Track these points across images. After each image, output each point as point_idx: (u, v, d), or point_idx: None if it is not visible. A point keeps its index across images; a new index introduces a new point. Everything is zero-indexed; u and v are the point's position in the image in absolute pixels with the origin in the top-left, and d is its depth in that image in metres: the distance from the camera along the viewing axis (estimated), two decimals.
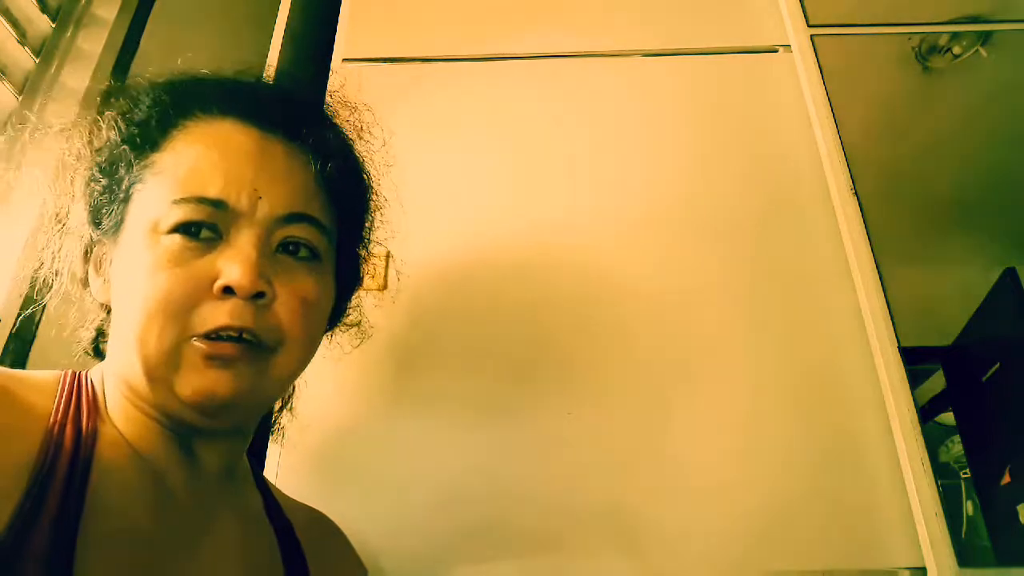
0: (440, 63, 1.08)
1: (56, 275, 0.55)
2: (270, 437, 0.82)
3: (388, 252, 0.92)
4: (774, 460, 0.80)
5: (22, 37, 0.99)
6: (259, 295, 0.48)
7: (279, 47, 1.08)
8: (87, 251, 0.54)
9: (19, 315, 0.79)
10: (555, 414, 0.83)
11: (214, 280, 0.48)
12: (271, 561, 0.55)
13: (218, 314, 0.47)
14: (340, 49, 1.09)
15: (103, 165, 0.53)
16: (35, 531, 0.38)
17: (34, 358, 0.83)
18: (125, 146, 0.52)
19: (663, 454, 0.81)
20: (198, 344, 0.47)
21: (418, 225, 0.94)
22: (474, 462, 0.81)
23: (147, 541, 0.44)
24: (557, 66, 1.08)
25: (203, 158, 0.50)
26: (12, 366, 0.65)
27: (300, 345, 0.52)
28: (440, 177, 0.99)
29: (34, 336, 0.84)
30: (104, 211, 0.52)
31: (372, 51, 1.09)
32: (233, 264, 0.48)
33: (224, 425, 0.51)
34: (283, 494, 0.65)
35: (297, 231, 0.52)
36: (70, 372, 0.50)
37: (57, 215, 0.55)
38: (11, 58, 0.97)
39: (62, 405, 0.46)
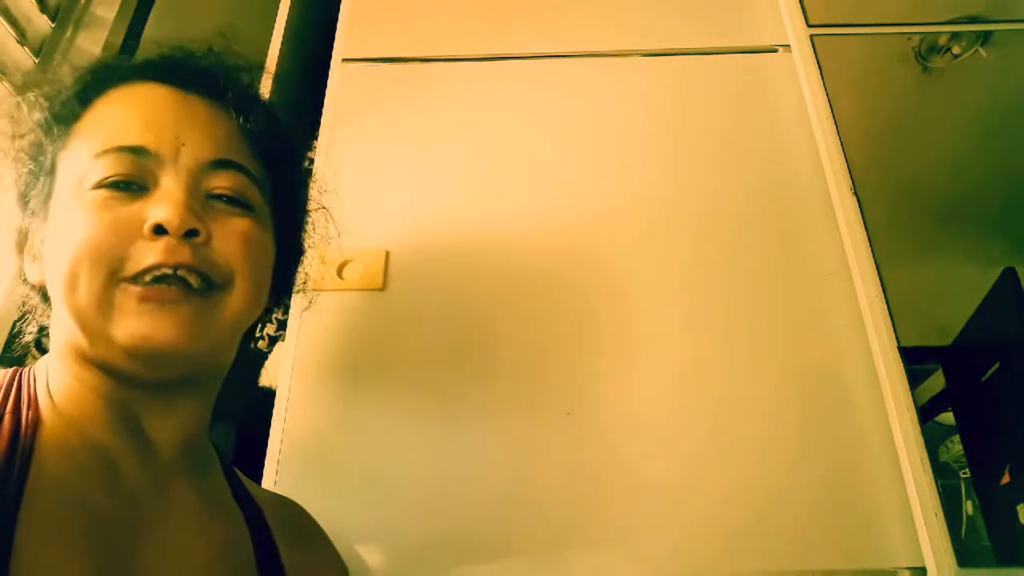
0: (440, 63, 1.08)
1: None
2: (268, 438, 0.82)
3: (387, 252, 0.92)
4: (773, 460, 0.80)
5: (21, 37, 0.99)
6: (192, 232, 0.47)
7: (279, 47, 1.09)
8: (19, 242, 0.53)
9: (18, 317, 0.79)
10: (554, 414, 0.83)
11: (143, 224, 0.46)
12: (240, 543, 0.53)
13: (149, 253, 0.45)
14: (340, 49, 1.09)
15: (28, 146, 0.52)
16: None
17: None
18: (47, 117, 0.51)
19: (663, 454, 0.81)
20: (130, 287, 0.45)
21: (415, 226, 0.95)
22: (472, 463, 0.81)
23: (99, 524, 0.43)
24: (557, 66, 1.08)
25: (123, 112, 0.51)
26: (12, 366, 0.65)
27: (250, 281, 0.50)
28: (440, 177, 0.99)
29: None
30: (32, 190, 0.51)
31: (372, 51, 1.09)
32: (160, 205, 0.46)
33: (170, 375, 0.49)
34: (253, 484, 0.63)
35: (226, 180, 0.51)
36: (13, 369, 0.49)
37: None
38: (11, 57, 0.97)
39: None
